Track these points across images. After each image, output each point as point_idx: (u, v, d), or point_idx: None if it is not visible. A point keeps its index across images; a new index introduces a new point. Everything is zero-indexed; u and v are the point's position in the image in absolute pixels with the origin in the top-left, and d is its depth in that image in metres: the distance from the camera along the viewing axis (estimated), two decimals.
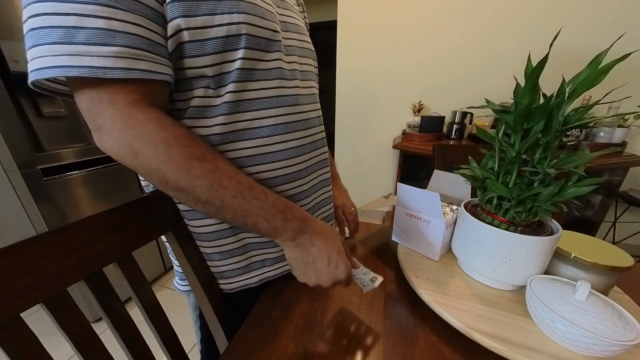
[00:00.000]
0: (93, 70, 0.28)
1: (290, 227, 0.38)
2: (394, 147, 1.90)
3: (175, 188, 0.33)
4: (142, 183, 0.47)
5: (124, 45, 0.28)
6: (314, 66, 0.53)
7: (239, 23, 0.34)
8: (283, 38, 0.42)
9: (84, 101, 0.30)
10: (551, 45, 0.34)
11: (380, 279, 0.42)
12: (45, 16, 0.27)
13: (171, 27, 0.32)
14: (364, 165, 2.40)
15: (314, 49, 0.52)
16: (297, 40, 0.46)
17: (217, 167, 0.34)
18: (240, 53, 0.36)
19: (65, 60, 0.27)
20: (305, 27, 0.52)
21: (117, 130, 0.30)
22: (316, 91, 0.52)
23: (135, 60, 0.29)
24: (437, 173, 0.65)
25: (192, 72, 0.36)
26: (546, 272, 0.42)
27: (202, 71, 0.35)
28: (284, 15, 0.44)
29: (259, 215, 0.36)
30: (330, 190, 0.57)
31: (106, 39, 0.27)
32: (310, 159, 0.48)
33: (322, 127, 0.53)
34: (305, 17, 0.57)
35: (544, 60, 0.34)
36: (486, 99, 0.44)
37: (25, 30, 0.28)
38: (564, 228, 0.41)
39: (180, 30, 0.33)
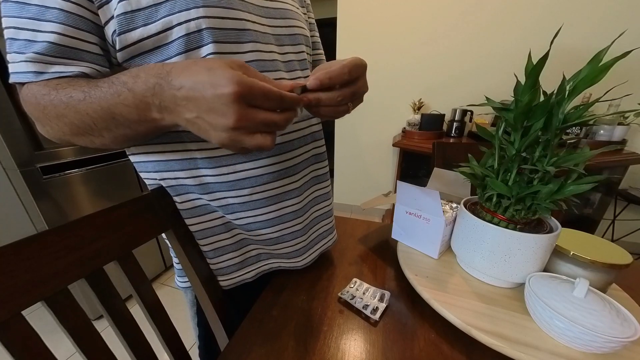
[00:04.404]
0: (17, 75, 0.32)
1: (142, 87, 0.28)
2: (393, 145, 1.90)
3: (72, 135, 0.34)
4: (142, 181, 0.47)
5: (37, 52, 0.31)
6: (306, 53, 0.48)
7: (197, 18, 0.33)
8: (260, 25, 0.39)
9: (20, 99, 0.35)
10: (552, 42, 0.34)
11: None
12: (6, 29, 0.31)
13: (130, 38, 0.33)
14: (364, 163, 2.40)
15: (304, 34, 0.47)
16: (278, 27, 0.42)
17: (65, 89, 0.31)
18: (208, 49, 0.34)
19: (10, 68, 0.32)
20: (297, 10, 0.47)
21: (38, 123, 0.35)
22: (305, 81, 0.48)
23: (47, 65, 0.31)
24: (437, 171, 0.65)
25: None
26: (545, 270, 0.42)
27: None
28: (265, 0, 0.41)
29: (113, 102, 0.29)
30: (327, 186, 0.56)
31: (26, 48, 0.31)
32: (299, 155, 0.46)
33: (315, 120, 0.50)
34: None
35: (545, 57, 0.34)
36: (486, 97, 0.44)
37: None
38: (563, 226, 0.41)
39: (142, 40, 0.33)
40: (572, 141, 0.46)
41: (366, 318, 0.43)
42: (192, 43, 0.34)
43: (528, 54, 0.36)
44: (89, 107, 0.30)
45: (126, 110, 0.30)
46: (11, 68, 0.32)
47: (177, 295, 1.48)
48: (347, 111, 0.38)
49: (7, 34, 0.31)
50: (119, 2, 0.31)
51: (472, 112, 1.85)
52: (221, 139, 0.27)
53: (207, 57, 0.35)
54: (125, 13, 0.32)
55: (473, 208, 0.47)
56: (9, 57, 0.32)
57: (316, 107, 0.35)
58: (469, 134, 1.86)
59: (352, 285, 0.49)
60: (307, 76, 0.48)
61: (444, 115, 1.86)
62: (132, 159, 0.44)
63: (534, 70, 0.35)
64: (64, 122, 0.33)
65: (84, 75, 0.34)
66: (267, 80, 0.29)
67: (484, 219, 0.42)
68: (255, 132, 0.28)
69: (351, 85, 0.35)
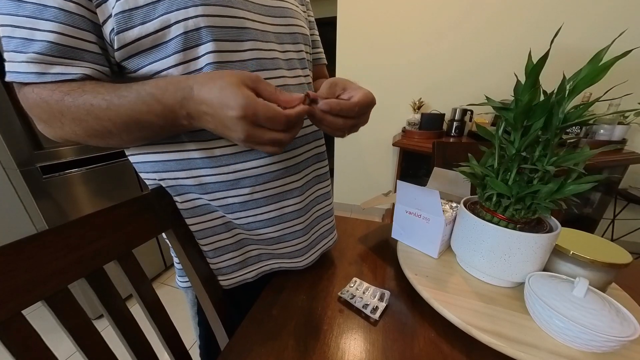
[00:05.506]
0: (17, 75, 0.32)
1: (171, 101, 0.31)
2: (393, 144, 1.90)
3: (86, 136, 0.35)
4: (142, 181, 0.47)
5: (37, 52, 0.31)
6: (305, 52, 0.48)
7: (196, 17, 0.33)
8: (261, 23, 0.39)
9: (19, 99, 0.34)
10: (552, 41, 0.34)
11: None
12: (1, 27, 0.31)
13: (128, 36, 0.33)
14: (364, 162, 2.40)
15: (304, 33, 0.47)
16: (279, 25, 0.42)
17: (82, 96, 0.32)
18: (207, 47, 0.34)
19: (7, 66, 0.32)
20: (297, 8, 0.47)
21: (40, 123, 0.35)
22: (305, 80, 0.47)
23: (48, 65, 0.31)
24: (436, 170, 0.65)
25: (163, 74, 0.35)
26: (545, 269, 0.42)
27: (168, 73, 0.35)
28: None
29: (141, 112, 0.32)
30: (328, 186, 0.56)
31: (25, 47, 0.30)
32: (301, 154, 0.46)
33: None
34: None
35: (545, 57, 0.34)
36: (486, 96, 0.44)
37: None
38: (562, 225, 0.41)
39: (140, 38, 0.33)
40: (572, 141, 0.46)
41: (366, 317, 0.43)
42: (190, 41, 0.34)
43: (528, 54, 0.36)
44: (112, 114, 0.32)
45: (154, 118, 0.32)
46: (9, 67, 0.32)
47: (177, 295, 1.48)
48: (342, 136, 0.41)
49: (2, 32, 0.31)
50: (117, 1, 0.31)
51: (472, 112, 1.85)
52: (239, 144, 0.33)
53: (206, 67, 0.35)
54: (123, 12, 0.31)
55: (473, 207, 0.47)
56: (6, 55, 0.31)
57: (317, 122, 0.37)
58: (469, 134, 1.86)
59: (352, 285, 0.49)
60: (307, 75, 0.49)
61: (444, 114, 1.86)
62: (131, 159, 0.44)
63: (534, 69, 0.35)
64: (81, 126, 0.33)
65: (87, 78, 0.33)
66: (277, 96, 0.31)
67: (483, 219, 0.42)
68: (266, 144, 0.32)
69: (356, 119, 0.38)
